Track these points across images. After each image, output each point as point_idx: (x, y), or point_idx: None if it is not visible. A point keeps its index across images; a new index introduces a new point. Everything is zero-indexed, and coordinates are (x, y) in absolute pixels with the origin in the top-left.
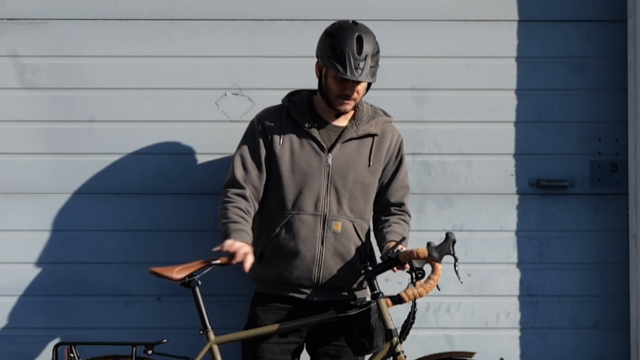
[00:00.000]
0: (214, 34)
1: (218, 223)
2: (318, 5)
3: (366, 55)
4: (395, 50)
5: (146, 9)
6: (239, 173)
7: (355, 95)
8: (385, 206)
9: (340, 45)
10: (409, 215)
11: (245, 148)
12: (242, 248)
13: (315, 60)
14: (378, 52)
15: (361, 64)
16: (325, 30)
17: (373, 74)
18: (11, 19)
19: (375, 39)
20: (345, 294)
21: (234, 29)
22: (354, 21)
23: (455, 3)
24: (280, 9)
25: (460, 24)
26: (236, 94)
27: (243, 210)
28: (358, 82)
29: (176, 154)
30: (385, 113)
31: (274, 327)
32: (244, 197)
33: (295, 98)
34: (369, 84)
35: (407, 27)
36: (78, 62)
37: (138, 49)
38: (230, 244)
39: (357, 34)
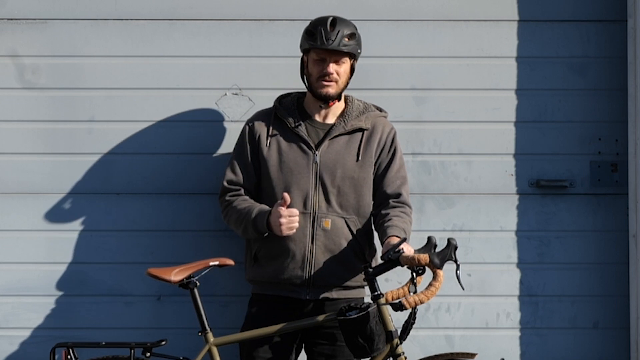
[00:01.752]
0: (214, 34)
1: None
2: (318, 5)
3: (338, 31)
4: (395, 50)
5: (146, 9)
6: (229, 177)
7: (334, 75)
8: (383, 199)
9: (315, 26)
10: (409, 207)
11: (234, 154)
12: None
13: None
14: (355, 34)
15: (332, 36)
16: None
17: (345, 45)
18: (11, 19)
19: (354, 27)
20: (339, 291)
21: (234, 29)
22: None
23: (455, 3)
24: (280, 9)
25: (460, 24)
26: (236, 94)
27: (247, 199)
28: (336, 61)
29: (176, 154)
30: (378, 108)
31: (272, 329)
32: (241, 195)
33: (285, 100)
34: (352, 72)
35: (407, 27)
36: (78, 62)
37: (138, 49)
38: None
39: (332, 17)
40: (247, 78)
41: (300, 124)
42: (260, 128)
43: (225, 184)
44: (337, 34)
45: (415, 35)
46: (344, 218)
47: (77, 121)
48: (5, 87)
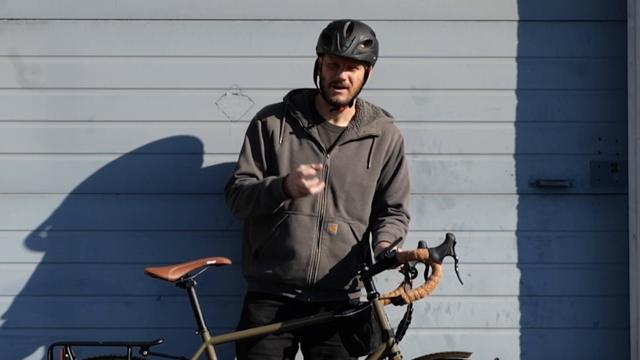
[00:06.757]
0: (214, 34)
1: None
2: (318, 5)
3: (354, 37)
4: (395, 50)
5: (146, 9)
6: (244, 169)
7: (347, 82)
8: (383, 207)
9: (331, 29)
10: (408, 217)
11: (248, 147)
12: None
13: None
14: (371, 41)
15: (347, 43)
16: None
17: (359, 53)
18: (11, 19)
19: (371, 33)
20: (339, 295)
21: (234, 29)
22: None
23: (455, 3)
24: (280, 9)
25: (460, 24)
26: (236, 94)
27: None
28: (349, 68)
29: (176, 154)
30: (386, 113)
31: (269, 328)
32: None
33: (297, 97)
34: (365, 78)
35: (407, 27)
36: (78, 62)
37: (138, 49)
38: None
39: (350, 22)
40: (247, 78)
41: (313, 125)
42: (274, 124)
43: (235, 174)
44: (353, 40)
45: (415, 35)
46: (349, 224)
47: (77, 121)
48: (5, 87)
